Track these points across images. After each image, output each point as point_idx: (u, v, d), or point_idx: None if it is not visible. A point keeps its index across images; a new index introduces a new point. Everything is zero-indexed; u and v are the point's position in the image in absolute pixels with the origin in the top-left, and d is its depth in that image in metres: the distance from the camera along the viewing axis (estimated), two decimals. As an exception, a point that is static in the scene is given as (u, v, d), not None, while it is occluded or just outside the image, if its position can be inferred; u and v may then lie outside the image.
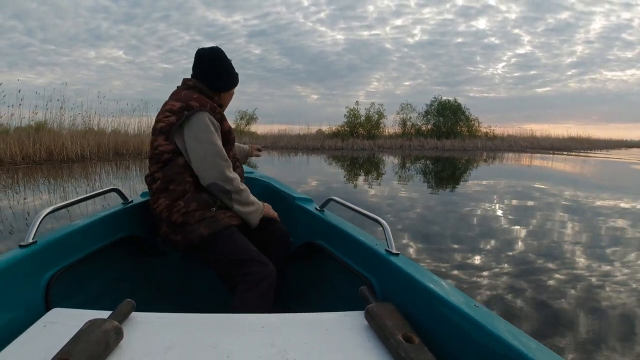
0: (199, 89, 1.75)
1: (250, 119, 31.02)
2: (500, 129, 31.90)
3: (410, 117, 31.03)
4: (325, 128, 29.98)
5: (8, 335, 0.94)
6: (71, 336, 0.86)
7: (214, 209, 1.63)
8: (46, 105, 13.84)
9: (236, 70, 1.89)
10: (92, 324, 0.89)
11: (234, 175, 1.67)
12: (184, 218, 1.58)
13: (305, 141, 25.87)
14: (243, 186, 1.71)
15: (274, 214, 1.88)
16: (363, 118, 29.12)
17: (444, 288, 1.05)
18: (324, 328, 1.03)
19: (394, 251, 1.28)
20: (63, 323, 0.99)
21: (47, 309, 1.12)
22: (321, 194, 6.68)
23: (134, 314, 1.04)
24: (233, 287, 1.50)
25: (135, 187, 7.32)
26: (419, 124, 30.99)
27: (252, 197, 1.74)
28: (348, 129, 28.59)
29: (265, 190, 2.38)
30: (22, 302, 1.10)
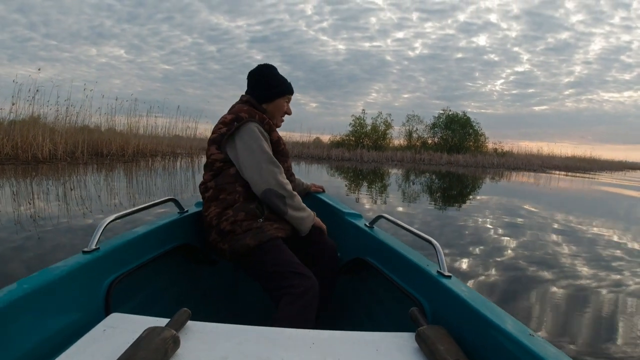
0: (251, 103, 1.84)
1: (249, 123, 29.58)
2: (507, 146, 30.69)
3: (417, 129, 29.51)
4: (327, 137, 28.58)
5: (69, 336, 0.98)
6: (129, 341, 0.88)
7: (261, 220, 1.64)
8: (17, 94, 11.65)
9: (285, 81, 1.92)
10: (152, 332, 0.90)
11: (286, 180, 1.72)
12: (232, 227, 1.61)
13: (308, 149, 24.30)
14: (295, 192, 1.73)
15: (322, 224, 1.87)
16: (369, 128, 27.45)
17: (498, 314, 1.00)
18: (374, 348, 1.00)
19: (447, 273, 1.23)
20: (122, 328, 1.01)
21: (107, 313, 1.16)
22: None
23: (189, 322, 1.05)
24: (276, 299, 1.46)
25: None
26: (426, 136, 29.65)
27: (303, 204, 1.76)
28: (353, 139, 26.88)
29: (314, 203, 2.37)
30: (83, 306, 1.13)
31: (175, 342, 0.91)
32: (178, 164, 13.65)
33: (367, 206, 6.66)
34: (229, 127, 1.70)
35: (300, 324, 1.24)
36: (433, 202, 7.87)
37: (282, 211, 1.68)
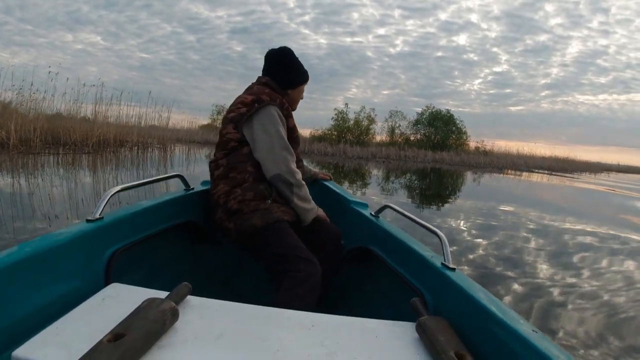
0: (271, 86, 1.80)
1: (229, 113, 28.99)
2: (487, 145, 30.48)
3: (400, 125, 28.90)
4: (307, 131, 27.82)
5: (69, 303, 0.98)
6: (127, 311, 0.89)
7: (269, 201, 1.62)
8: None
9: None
10: (151, 302, 0.90)
11: (297, 169, 1.71)
12: (239, 206, 1.59)
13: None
14: (303, 182, 1.73)
15: (326, 217, 1.86)
16: (352, 122, 26.66)
17: (501, 309, 0.98)
18: (373, 335, 1.00)
19: (451, 265, 1.21)
20: (121, 298, 1.02)
21: (107, 283, 1.16)
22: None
23: (189, 297, 1.05)
24: (278, 282, 1.45)
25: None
26: (408, 132, 29.26)
27: (309, 196, 1.75)
28: (335, 133, 26.07)
29: (321, 191, 2.35)
30: (84, 274, 1.12)
31: (174, 315, 0.91)
32: (149, 156, 12.47)
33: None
34: (250, 108, 1.68)
35: (301, 309, 1.18)
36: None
37: (289, 198, 1.67)
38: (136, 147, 14.22)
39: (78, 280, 1.09)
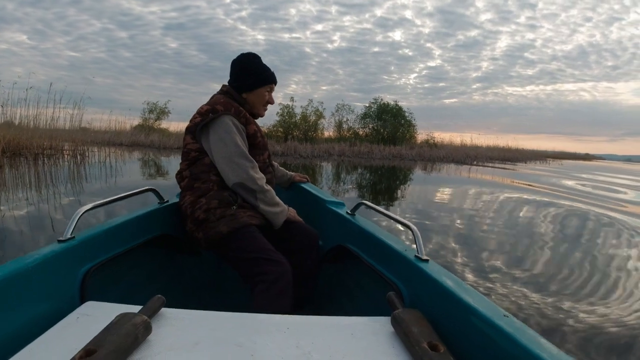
0: (230, 94, 1.80)
1: (161, 112, 26.45)
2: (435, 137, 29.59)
3: (347, 120, 27.22)
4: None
5: (44, 325, 0.95)
6: (101, 328, 0.87)
7: (235, 207, 1.62)
8: None
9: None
10: (123, 317, 0.89)
11: (259, 175, 1.69)
12: (206, 215, 1.59)
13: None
14: (268, 187, 1.71)
15: (299, 219, 1.84)
16: (299, 117, 24.69)
17: (473, 296, 0.99)
18: (349, 332, 1.00)
19: (424, 257, 1.23)
20: (95, 316, 0.99)
21: (82, 302, 1.13)
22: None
23: (163, 309, 1.03)
24: (252, 286, 1.45)
25: None
26: (357, 127, 27.66)
27: (277, 199, 1.74)
28: (282, 130, 24.07)
29: (298, 193, 2.36)
30: (58, 295, 1.11)
31: (147, 328, 0.89)
32: (54, 171, 9.63)
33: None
34: (204, 118, 1.66)
35: (276, 311, 1.18)
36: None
37: (254, 205, 1.65)
38: (42, 156, 11.32)
39: (52, 302, 1.07)
